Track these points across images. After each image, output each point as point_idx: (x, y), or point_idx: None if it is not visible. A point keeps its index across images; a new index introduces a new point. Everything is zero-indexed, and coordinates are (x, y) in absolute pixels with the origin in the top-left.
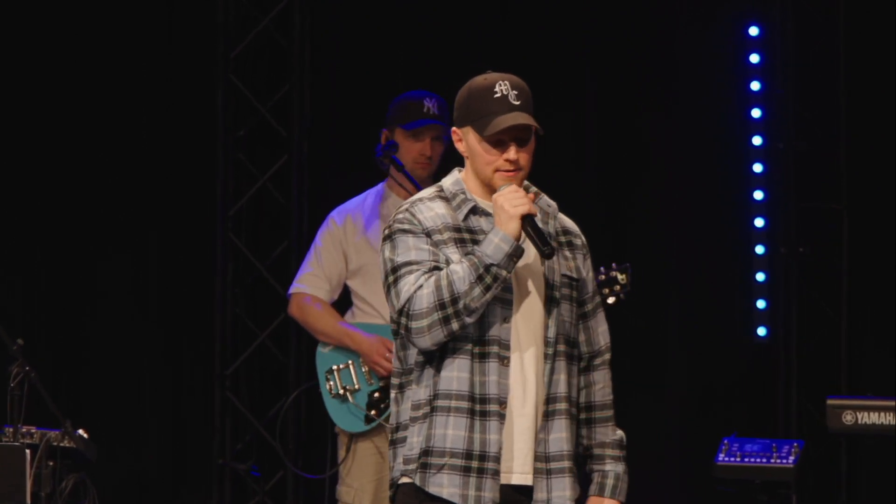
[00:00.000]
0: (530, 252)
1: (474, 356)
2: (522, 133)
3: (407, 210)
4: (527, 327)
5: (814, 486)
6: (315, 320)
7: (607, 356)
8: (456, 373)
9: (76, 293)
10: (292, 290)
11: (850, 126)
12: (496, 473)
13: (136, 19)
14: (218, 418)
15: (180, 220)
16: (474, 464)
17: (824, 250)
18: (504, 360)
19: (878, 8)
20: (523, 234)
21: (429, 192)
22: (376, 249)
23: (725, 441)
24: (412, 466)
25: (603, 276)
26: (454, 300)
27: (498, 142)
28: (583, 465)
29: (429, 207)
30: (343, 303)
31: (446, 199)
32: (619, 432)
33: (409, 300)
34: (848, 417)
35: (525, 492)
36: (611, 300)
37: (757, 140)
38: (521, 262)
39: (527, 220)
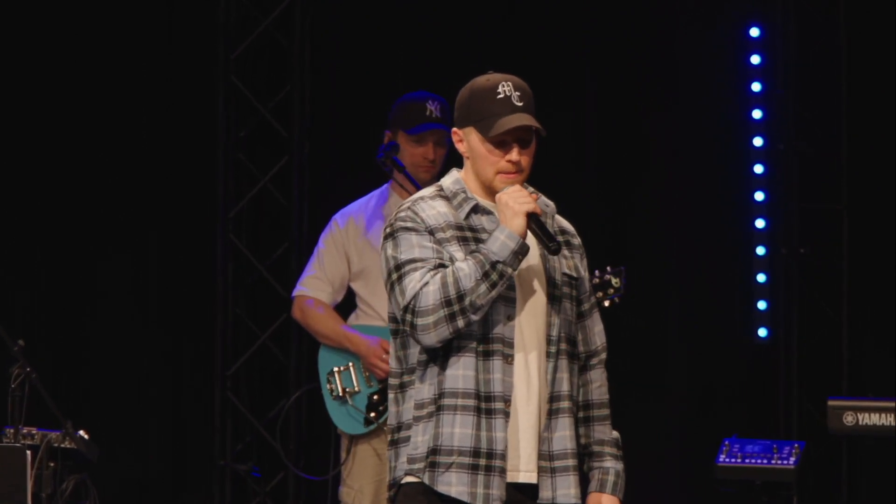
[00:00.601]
0: (532, 251)
1: (479, 354)
2: (525, 134)
3: (409, 208)
4: (530, 326)
5: (814, 487)
6: (316, 323)
7: (603, 356)
8: (462, 371)
9: (76, 293)
10: (295, 293)
11: (851, 127)
12: (503, 471)
13: (136, 19)
14: (218, 419)
15: (181, 221)
16: (482, 462)
17: (825, 251)
18: (508, 359)
19: (878, 8)
20: (528, 232)
21: (429, 191)
22: (379, 252)
23: (726, 442)
24: (419, 465)
25: (597, 280)
26: (460, 297)
27: (500, 143)
28: (581, 463)
29: (430, 206)
30: (347, 305)
31: (447, 199)
32: (615, 432)
33: (414, 297)
34: (849, 418)
35: (530, 490)
36: (606, 303)
37: (758, 141)
38: (523, 262)
39: (532, 218)
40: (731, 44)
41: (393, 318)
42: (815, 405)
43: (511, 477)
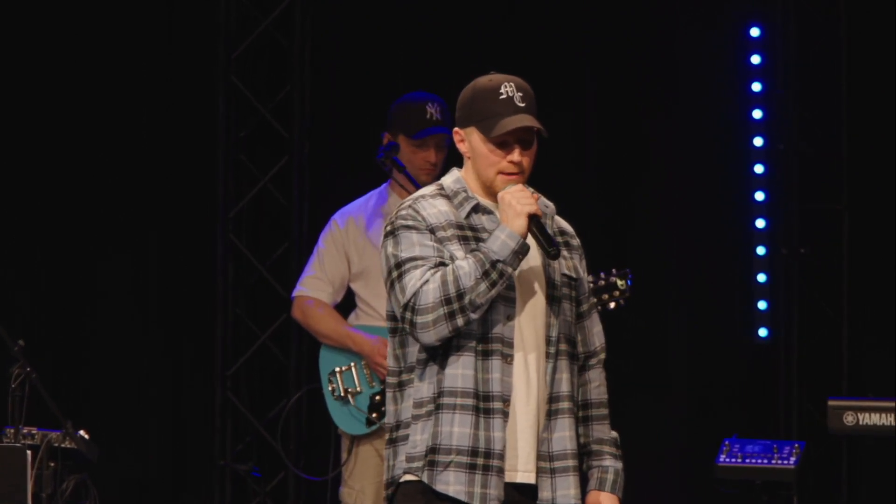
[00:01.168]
0: (532, 252)
1: (478, 354)
2: (527, 135)
3: (410, 206)
4: (529, 326)
5: (814, 487)
6: (317, 323)
7: (602, 356)
8: (461, 370)
9: (76, 294)
10: (295, 293)
11: (851, 127)
12: (501, 471)
13: (137, 19)
14: (219, 419)
15: (181, 221)
16: (480, 461)
17: (825, 251)
18: (507, 359)
19: (879, 8)
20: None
21: (430, 189)
22: (379, 251)
23: (726, 442)
24: (417, 464)
25: (602, 282)
26: (460, 296)
27: (502, 143)
28: (580, 463)
29: (431, 204)
30: (347, 305)
31: (447, 197)
32: (614, 432)
33: (414, 295)
34: (849, 418)
35: (528, 491)
36: (611, 305)
37: (758, 141)
38: (523, 263)
39: (533, 220)
40: (732, 44)
41: (392, 316)
42: (815, 405)
43: (509, 477)
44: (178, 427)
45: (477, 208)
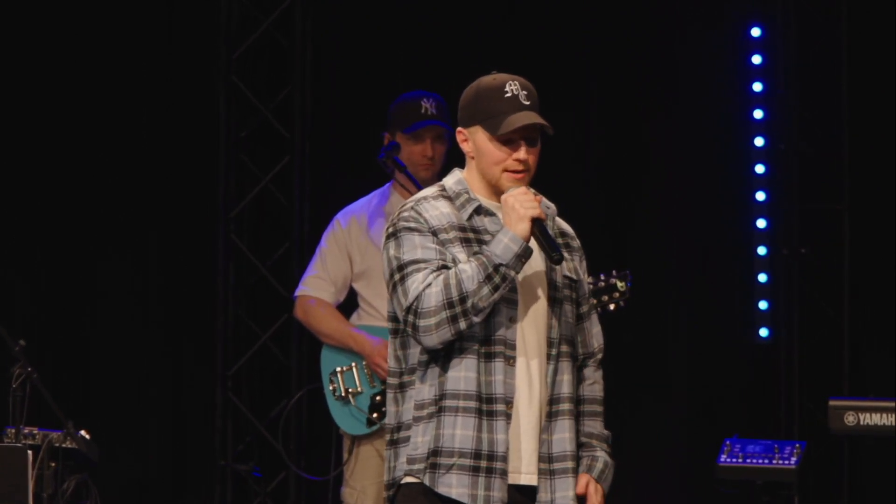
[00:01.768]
0: (535, 254)
1: (480, 356)
2: (532, 133)
3: (412, 208)
4: (531, 328)
5: (815, 487)
6: (319, 323)
7: (600, 356)
8: (463, 372)
9: (77, 294)
10: (297, 292)
11: (852, 127)
12: (504, 473)
13: (137, 19)
14: (219, 419)
15: (182, 221)
16: (483, 463)
17: (826, 251)
18: (510, 360)
19: (880, 8)
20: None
21: (431, 191)
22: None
23: (727, 442)
24: (419, 466)
25: (603, 283)
26: (462, 299)
27: (508, 141)
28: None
29: (433, 206)
30: (349, 305)
31: (449, 199)
32: (607, 431)
33: (417, 298)
34: (850, 418)
35: (531, 492)
36: (611, 307)
37: (759, 141)
38: (525, 265)
39: (537, 224)
40: (733, 44)
41: (393, 318)
42: (816, 405)
43: (512, 479)
44: (178, 427)
45: (479, 210)
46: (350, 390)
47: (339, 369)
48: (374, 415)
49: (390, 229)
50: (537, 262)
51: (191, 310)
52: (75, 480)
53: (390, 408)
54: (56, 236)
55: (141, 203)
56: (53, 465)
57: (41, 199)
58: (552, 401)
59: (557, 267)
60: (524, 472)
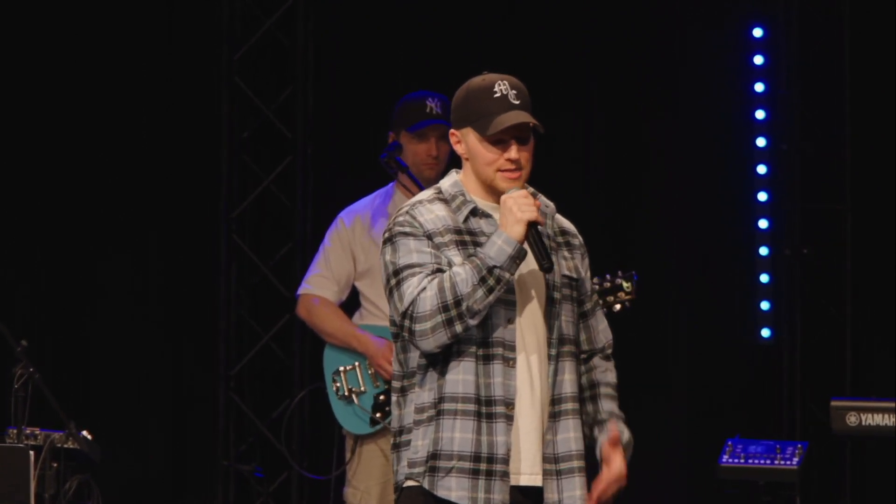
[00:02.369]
0: (531, 254)
1: (478, 358)
2: (523, 132)
3: (407, 212)
4: (530, 328)
5: (817, 488)
6: (322, 322)
7: (609, 352)
8: (461, 375)
9: (78, 294)
10: (300, 291)
11: (854, 127)
12: (505, 475)
13: (138, 20)
14: (222, 419)
15: (183, 221)
16: (482, 466)
17: (828, 251)
18: (509, 362)
19: (882, 8)
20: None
21: (427, 194)
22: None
23: (729, 442)
24: (419, 470)
25: (608, 284)
26: (457, 302)
27: (499, 141)
28: (587, 465)
29: (429, 209)
30: (351, 304)
31: (445, 201)
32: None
33: (412, 303)
34: (852, 419)
35: (534, 493)
36: (616, 307)
37: (761, 141)
38: (522, 265)
39: (532, 228)
40: (734, 44)
41: (393, 322)
42: (818, 405)
43: (514, 480)
44: (180, 427)
45: (475, 212)
46: (353, 390)
47: (342, 369)
48: (378, 414)
49: (386, 234)
50: (535, 262)
51: (192, 310)
52: (77, 481)
53: (394, 411)
54: (57, 236)
55: (142, 203)
56: (55, 465)
57: (42, 199)
58: (554, 401)
59: (556, 267)
60: (528, 472)
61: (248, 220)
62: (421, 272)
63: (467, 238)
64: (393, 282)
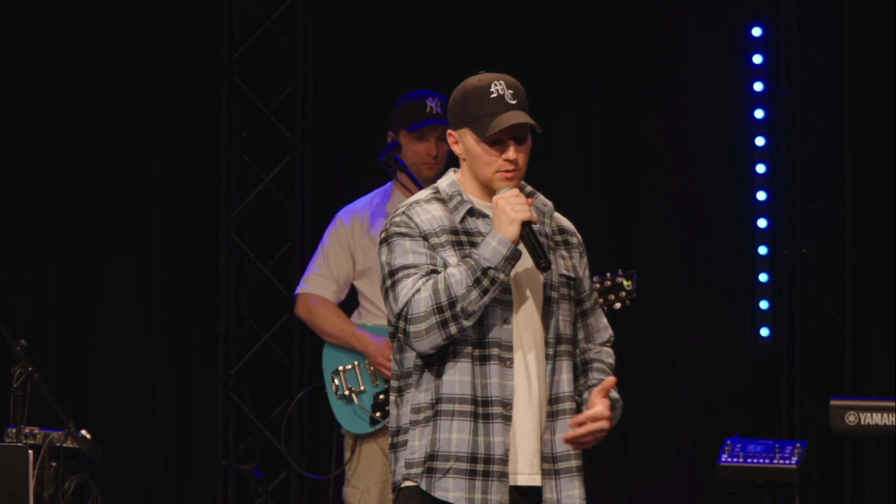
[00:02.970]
0: (528, 253)
1: (475, 359)
2: (520, 132)
3: (403, 213)
4: (527, 328)
5: (817, 487)
6: (321, 321)
7: (609, 343)
8: (458, 376)
9: (79, 294)
10: (299, 290)
11: (854, 127)
12: (503, 475)
13: (139, 20)
14: (221, 419)
15: (184, 221)
16: (480, 467)
17: (827, 251)
18: (506, 362)
19: (882, 8)
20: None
21: (425, 194)
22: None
23: (728, 442)
24: (416, 470)
25: (609, 282)
26: (452, 304)
27: (496, 142)
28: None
29: (425, 210)
30: (350, 303)
31: (443, 201)
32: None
33: (406, 304)
34: (851, 418)
35: (533, 493)
36: (616, 306)
37: (760, 141)
38: (519, 264)
39: (527, 228)
40: (734, 43)
41: (390, 323)
42: (817, 405)
43: (512, 480)
44: (180, 427)
45: (472, 212)
46: (353, 389)
47: (341, 368)
48: (378, 413)
49: (383, 235)
50: (532, 262)
51: (193, 310)
52: (76, 480)
53: (392, 411)
54: (58, 236)
55: (144, 204)
56: (54, 464)
57: (43, 199)
58: (552, 400)
59: (554, 266)
60: (526, 472)
61: (247, 220)
62: (416, 273)
63: (464, 238)
64: (388, 283)
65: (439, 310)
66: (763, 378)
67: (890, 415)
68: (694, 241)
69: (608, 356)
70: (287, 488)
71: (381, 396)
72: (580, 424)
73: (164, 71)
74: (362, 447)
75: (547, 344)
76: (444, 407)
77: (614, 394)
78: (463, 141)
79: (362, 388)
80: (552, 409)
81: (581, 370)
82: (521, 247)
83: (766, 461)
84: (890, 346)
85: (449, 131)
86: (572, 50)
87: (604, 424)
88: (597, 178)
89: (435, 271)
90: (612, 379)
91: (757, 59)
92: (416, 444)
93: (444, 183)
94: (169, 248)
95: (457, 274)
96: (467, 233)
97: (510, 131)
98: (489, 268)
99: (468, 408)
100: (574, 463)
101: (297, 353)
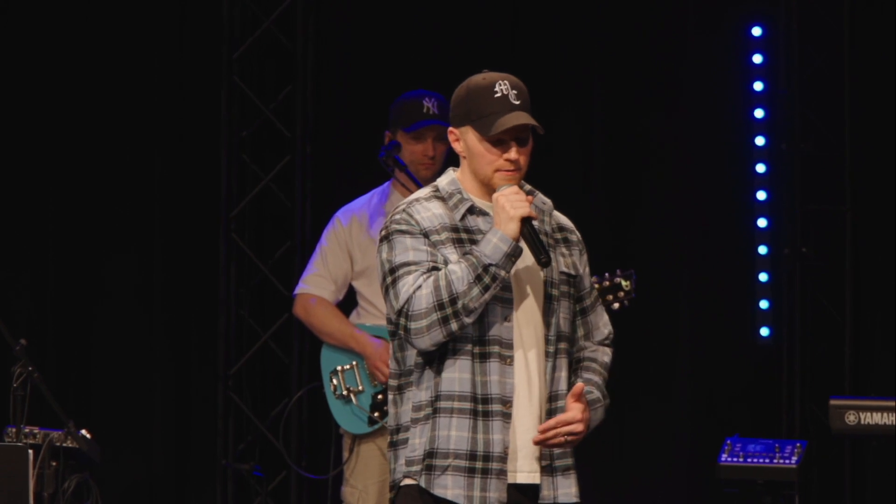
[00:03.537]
0: (528, 250)
1: (475, 356)
2: (522, 133)
3: (404, 210)
4: (528, 326)
5: (817, 487)
6: (320, 321)
7: (608, 341)
8: (457, 374)
9: (80, 293)
10: (297, 290)
11: (854, 127)
12: (501, 473)
13: (139, 20)
14: (221, 419)
15: (184, 221)
16: (478, 464)
17: (827, 250)
18: (507, 360)
19: (882, 8)
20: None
21: (425, 192)
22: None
23: (728, 441)
24: (416, 468)
25: (607, 283)
26: (453, 300)
27: (498, 141)
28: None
29: (426, 208)
30: (348, 303)
31: (442, 199)
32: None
33: (407, 301)
34: (851, 418)
35: (531, 490)
36: (615, 306)
37: (760, 140)
38: (519, 262)
39: (526, 224)
40: (734, 43)
41: (390, 320)
42: (817, 404)
43: (511, 478)
44: (180, 427)
45: (472, 210)
46: (351, 389)
47: (339, 368)
48: (376, 413)
49: (383, 232)
50: (532, 260)
51: (193, 310)
52: (76, 480)
53: (391, 409)
54: (58, 236)
55: (144, 203)
56: (54, 464)
57: (43, 199)
58: (552, 398)
59: (554, 264)
60: (526, 470)
61: (247, 220)
62: (417, 270)
63: (464, 236)
64: (389, 280)
65: (440, 306)
66: (763, 378)
67: (890, 415)
68: (694, 241)
69: (604, 355)
70: (287, 488)
71: (380, 396)
72: (549, 429)
73: (164, 71)
74: (360, 447)
75: (548, 342)
76: (443, 404)
77: (595, 393)
78: (464, 139)
79: (360, 388)
80: (551, 407)
81: (573, 368)
82: (522, 243)
83: (766, 461)
84: (890, 346)
85: (450, 128)
86: (572, 50)
87: (575, 428)
88: (597, 178)
89: (435, 268)
90: (580, 385)
91: (757, 58)
92: (416, 441)
93: (443, 181)
94: (169, 247)
95: (458, 271)
96: (467, 230)
97: (513, 132)
98: (490, 264)
99: (468, 405)
100: (571, 461)
101: (296, 352)
